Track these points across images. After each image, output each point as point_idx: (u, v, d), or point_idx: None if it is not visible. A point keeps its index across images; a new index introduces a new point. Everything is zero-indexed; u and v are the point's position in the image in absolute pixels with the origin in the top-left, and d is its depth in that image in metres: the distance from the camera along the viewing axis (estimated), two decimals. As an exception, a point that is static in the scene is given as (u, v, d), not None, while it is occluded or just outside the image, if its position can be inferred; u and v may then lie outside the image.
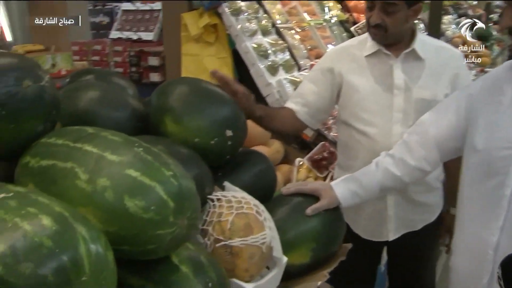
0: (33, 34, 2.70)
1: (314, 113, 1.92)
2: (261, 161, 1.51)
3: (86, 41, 4.73)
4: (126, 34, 4.33)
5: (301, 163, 2.35)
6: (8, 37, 3.91)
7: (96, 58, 4.65)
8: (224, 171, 1.44)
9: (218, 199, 1.19)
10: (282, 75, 2.56)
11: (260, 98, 2.57)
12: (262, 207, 1.20)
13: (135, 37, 4.26)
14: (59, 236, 0.67)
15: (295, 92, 2.00)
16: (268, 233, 1.14)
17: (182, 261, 0.95)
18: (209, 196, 1.19)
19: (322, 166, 2.36)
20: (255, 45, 2.50)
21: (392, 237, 1.93)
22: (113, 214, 0.83)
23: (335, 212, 1.41)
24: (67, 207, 0.76)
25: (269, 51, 2.55)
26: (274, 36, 2.76)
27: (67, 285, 0.65)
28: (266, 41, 2.61)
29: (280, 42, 2.70)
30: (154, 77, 3.31)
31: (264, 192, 1.48)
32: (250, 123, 2.53)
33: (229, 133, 1.33)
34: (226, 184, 1.29)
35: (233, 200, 1.17)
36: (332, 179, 2.16)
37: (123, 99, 1.41)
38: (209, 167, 1.41)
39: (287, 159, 2.50)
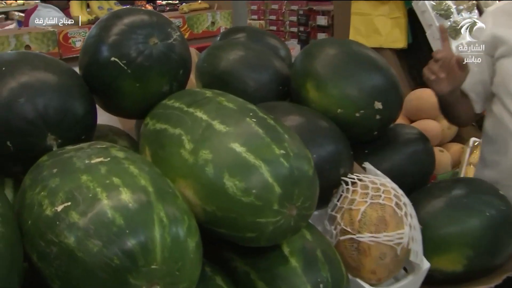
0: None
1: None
2: (417, 141, 1.26)
3: (265, 0, 4.77)
4: (303, -9, 4.20)
5: (476, 143, 1.97)
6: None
7: (273, 17, 4.67)
8: (371, 148, 1.24)
9: (354, 183, 1.01)
10: (466, 38, 2.14)
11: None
12: (405, 199, 0.98)
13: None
14: (133, 214, 0.60)
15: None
16: (407, 232, 0.93)
17: (293, 252, 0.82)
18: (343, 178, 1.03)
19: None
20: (434, 3, 2.13)
21: None
22: (211, 192, 0.73)
23: (504, 212, 1.10)
24: (157, 180, 0.68)
25: (452, 10, 2.15)
26: (462, -8, 2.32)
27: (134, 272, 0.58)
28: (450, -3, 2.21)
29: (469, -2, 2.26)
30: (322, 37, 3.13)
31: (417, 178, 1.24)
32: (419, 92, 2.24)
33: (378, 105, 1.13)
34: (367, 165, 1.10)
35: (370, 187, 0.99)
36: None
37: (266, 60, 1.31)
38: (354, 143, 1.25)
39: (460, 138, 2.14)
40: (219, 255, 0.88)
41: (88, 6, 2.62)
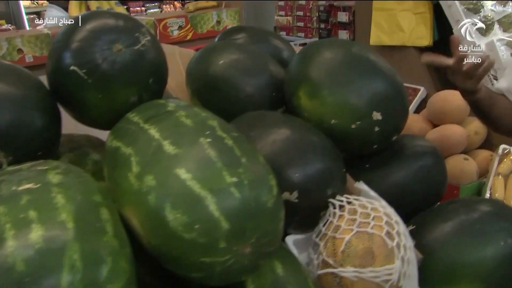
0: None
1: None
2: (426, 155, 1.13)
3: (292, -4, 4.64)
4: (330, -12, 4.04)
5: (506, 151, 1.79)
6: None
7: (300, 13, 4.53)
8: (373, 162, 1.12)
9: (342, 206, 0.90)
10: (496, 34, 1.96)
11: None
12: (399, 228, 0.86)
13: (339, -10, 3.94)
14: (38, 258, 0.51)
15: None
16: (397, 267, 0.80)
17: (259, 289, 0.71)
18: (331, 200, 0.91)
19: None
20: (464, -4, 1.95)
21: None
22: (154, 225, 0.64)
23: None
24: (85, 213, 0.59)
25: (482, 3, 1.96)
26: (497, -17, 2.12)
27: None
28: (481, -11, 2.02)
29: (503, -10, 2.06)
30: (343, 34, 2.98)
31: (424, 197, 1.11)
32: (443, 94, 2.07)
33: (377, 116, 1.00)
34: (360, 185, 0.97)
35: (359, 212, 0.87)
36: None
37: (261, 64, 1.20)
38: (354, 157, 1.12)
39: (488, 144, 1.95)
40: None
41: (87, 7, 2.59)
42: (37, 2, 5.38)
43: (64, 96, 0.91)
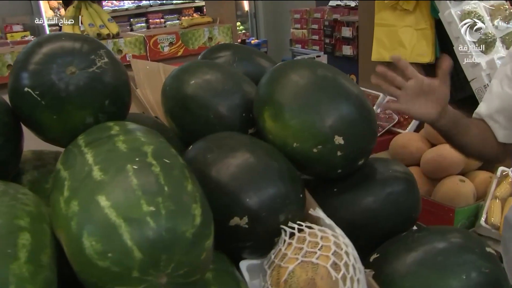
0: (208, 6, 2.72)
1: None
2: (397, 181, 1.10)
3: (308, 9, 4.64)
4: (344, 1, 4.03)
5: (505, 173, 1.73)
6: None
7: (315, 26, 4.52)
8: (342, 186, 1.09)
9: (292, 234, 0.88)
10: (499, 52, 1.90)
11: (464, 83, 1.99)
12: (348, 258, 0.83)
13: (353, 3, 3.92)
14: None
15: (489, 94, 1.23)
16: (341, 301, 0.78)
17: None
18: (282, 227, 0.89)
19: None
20: (463, 12, 1.90)
21: None
22: (74, 251, 0.64)
23: (486, 275, 0.91)
24: (1, 238, 0.60)
25: (484, 20, 1.91)
26: (498, -1, 2.05)
27: None
28: (483, 5, 1.96)
29: (506, 6, 1.99)
30: (346, 50, 2.94)
31: (394, 223, 1.08)
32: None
33: (339, 140, 0.98)
34: (316, 212, 0.95)
35: (307, 239, 0.85)
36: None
37: (234, 85, 1.19)
38: (323, 180, 1.10)
39: (487, 165, 1.89)
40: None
41: (81, 23, 2.65)
42: (59, 14, 5.54)
43: (23, 115, 0.92)
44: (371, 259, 1.01)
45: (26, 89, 0.86)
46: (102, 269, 0.60)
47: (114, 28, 2.59)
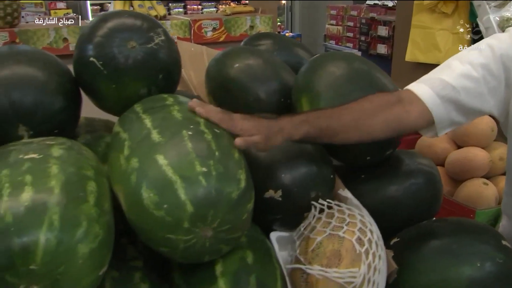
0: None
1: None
2: (419, 173, 1.15)
3: (345, 6, 4.66)
4: (382, 1, 4.05)
5: (528, 181, 1.76)
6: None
7: (350, 23, 4.55)
8: (369, 174, 1.16)
9: (321, 210, 0.95)
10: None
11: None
12: (372, 236, 0.90)
13: (390, 3, 3.94)
14: (24, 214, 0.61)
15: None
16: (362, 271, 0.85)
17: (225, 273, 0.79)
18: (313, 203, 0.97)
19: None
20: (502, 19, 1.93)
21: None
22: (132, 201, 0.72)
23: (501, 265, 0.96)
24: (73, 183, 0.69)
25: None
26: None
27: (12, 270, 0.59)
28: (522, 14, 1.98)
29: (545, 16, 2.01)
30: (381, 48, 2.98)
31: (414, 212, 1.13)
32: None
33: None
34: (345, 193, 1.02)
35: (336, 216, 0.92)
36: None
37: (272, 71, 1.26)
38: (353, 166, 1.17)
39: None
40: (165, 264, 0.88)
41: (131, 5, 2.75)
42: (102, -6, 5.71)
43: (84, 83, 1.02)
44: (391, 242, 1.07)
45: (91, 58, 0.96)
46: (157, 218, 0.69)
47: (161, 10, 2.72)
